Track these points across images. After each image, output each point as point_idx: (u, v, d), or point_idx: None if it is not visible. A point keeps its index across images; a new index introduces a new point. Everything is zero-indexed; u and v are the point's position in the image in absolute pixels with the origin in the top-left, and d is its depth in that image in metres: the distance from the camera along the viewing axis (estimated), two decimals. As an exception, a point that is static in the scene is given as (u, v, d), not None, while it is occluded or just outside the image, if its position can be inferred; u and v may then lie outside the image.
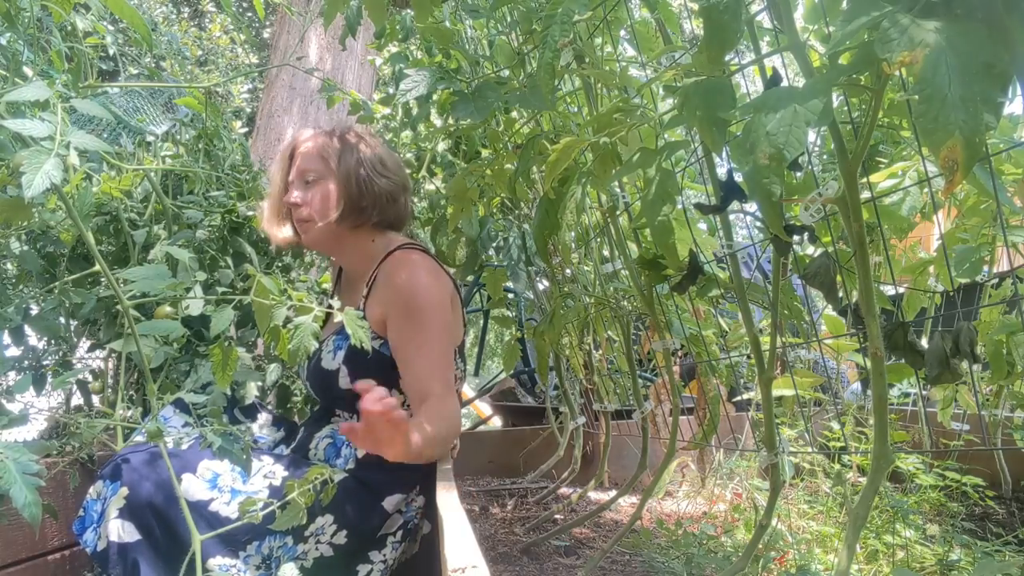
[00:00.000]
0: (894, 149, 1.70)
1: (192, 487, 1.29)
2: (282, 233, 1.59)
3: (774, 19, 1.06)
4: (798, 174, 1.29)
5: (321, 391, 1.55)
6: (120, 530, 1.25)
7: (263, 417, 1.65)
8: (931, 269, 1.88)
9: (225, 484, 1.32)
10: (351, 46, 4.19)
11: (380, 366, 1.45)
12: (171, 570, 1.25)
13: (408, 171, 2.46)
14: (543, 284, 2.50)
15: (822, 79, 0.81)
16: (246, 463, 1.17)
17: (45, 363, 1.56)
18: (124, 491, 1.26)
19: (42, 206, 1.41)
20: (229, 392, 1.57)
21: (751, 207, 1.39)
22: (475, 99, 1.39)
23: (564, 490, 2.63)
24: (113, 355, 1.63)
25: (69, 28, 1.50)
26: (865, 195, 1.19)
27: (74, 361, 1.62)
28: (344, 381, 1.46)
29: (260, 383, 1.64)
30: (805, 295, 1.54)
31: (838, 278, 1.14)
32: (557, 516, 2.38)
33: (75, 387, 1.64)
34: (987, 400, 2.16)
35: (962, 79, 0.64)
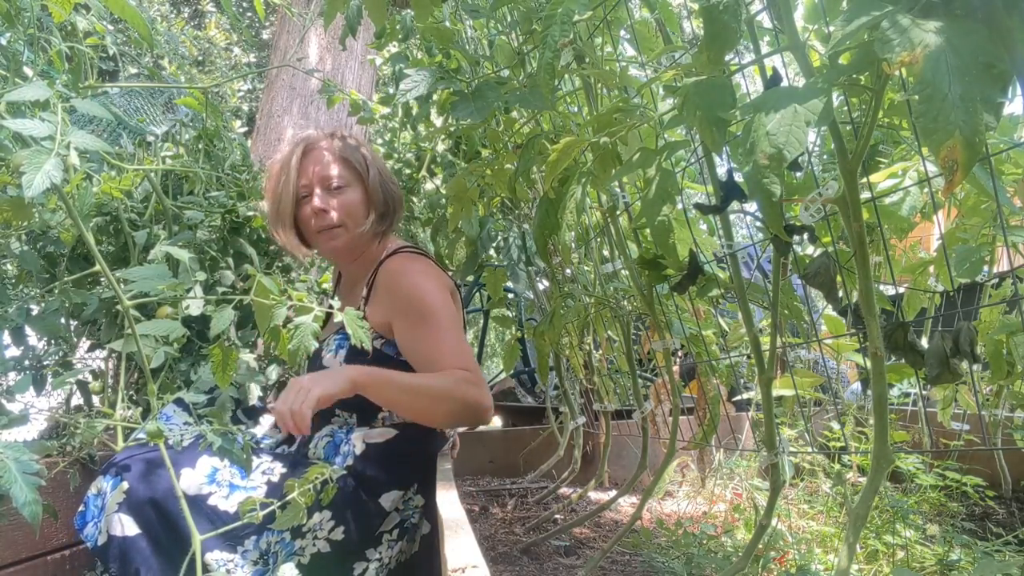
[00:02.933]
0: (894, 149, 1.70)
1: (191, 481, 1.30)
2: (294, 242, 1.55)
3: (774, 19, 1.06)
4: (798, 174, 1.29)
5: None
6: (120, 524, 1.25)
7: (266, 418, 1.65)
8: (931, 269, 1.88)
9: (223, 479, 1.33)
10: (351, 46, 4.20)
11: (381, 365, 1.45)
12: (171, 564, 1.25)
13: (408, 171, 2.47)
14: (543, 284, 2.50)
15: (822, 79, 0.81)
16: (246, 463, 1.18)
17: (45, 363, 1.56)
18: (124, 486, 1.27)
19: (42, 206, 1.41)
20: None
21: (751, 207, 1.39)
22: (475, 99, 1.39)
23: (564, 490, 2.63)
24: (113, 355, 1.63)
25: (69, 28, 1.50)
26: (865, 195, 1.19)
27: (74, 361, 1.62)
28: None
29: (262, 384, 1.64)
30: (805, 295, 1.54)
31: (838, 278, 1.14)
32: (557, 516, 2.38)
33: (75, 387, 1.64)
34: (987, 400, 2.16)
35: (962, 79, 0.64)
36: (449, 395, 1.33)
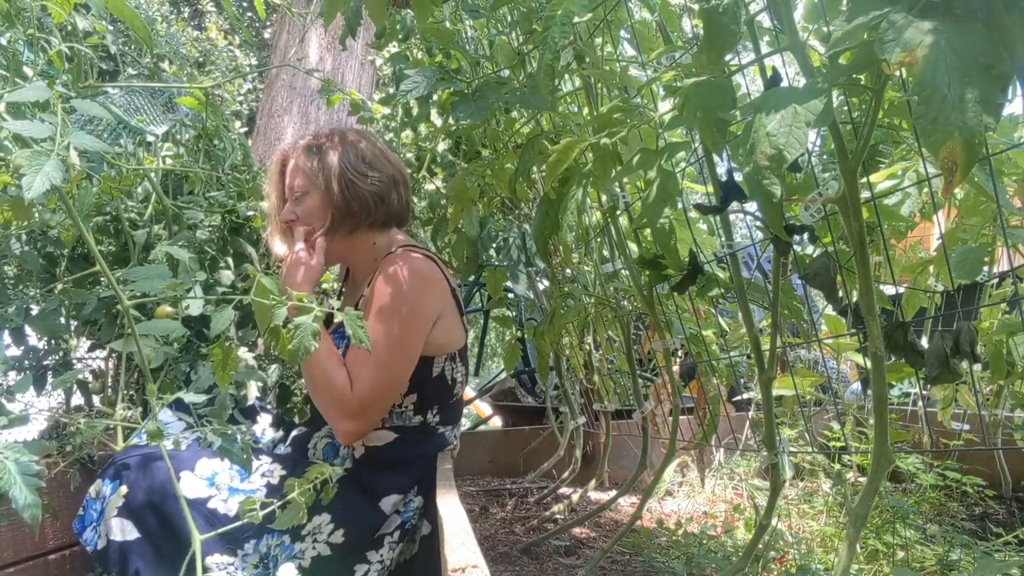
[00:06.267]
0: (894, 149, 1.70)
1: (190, 485, 1.30)
2: (282, 249, 1.57)
3: (774, 19, 1.06)
4: (798, 174, 1.29)
5: None
6: (120, 528, 1.25)
7: (263, 418, 1.65)
8: (931, 269, 1.88)
9: (223, 482, 1.33)
10: (351, 46, 4.20)
11: None
12: (171, 568, 1.25)
13: (408, 170, 2.47)
14: (543, 284, 2.50)
15: (822, 79, 0.81)
16: (246, 463, 1.17)
17: (45, 363, 1.56)
18: (123, 490, 1.27)
19: (42, 206, 1.41)
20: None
21: (751, 207, 1.39)
22: (475, 99, 1.39)
23: (564, 490, 2.63)
24: (113, 355, 1.63)
25: (69, 28, 1.50)
26: (865, 195, 1.19)
27: (74, 361, 1.62)
28: None
29: (261, 383, 1.63)
30: (805, 295, 1.53)
31: (838, 278, 1.14)
32: (557, 516, 2.38)
33: (75, 387, 1.64)
34: (987, 400, 2.16)
35: (961, 80, 0.64)
36: (327, 400, 1.37)
